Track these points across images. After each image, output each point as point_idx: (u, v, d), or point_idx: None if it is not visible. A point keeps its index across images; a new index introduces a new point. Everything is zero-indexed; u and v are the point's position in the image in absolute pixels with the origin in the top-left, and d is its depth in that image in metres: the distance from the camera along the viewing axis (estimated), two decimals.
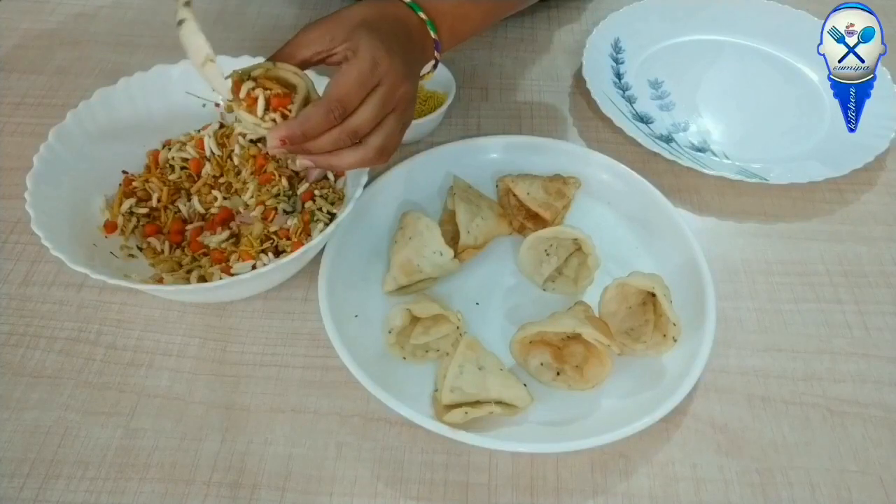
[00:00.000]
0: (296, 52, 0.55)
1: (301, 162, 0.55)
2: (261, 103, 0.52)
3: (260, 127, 0.52)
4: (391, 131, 0.54)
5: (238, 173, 0.65)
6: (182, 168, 0.66)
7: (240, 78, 0.52)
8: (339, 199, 0.64)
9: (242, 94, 0.52)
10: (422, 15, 0.59)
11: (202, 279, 0.59)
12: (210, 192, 0.65)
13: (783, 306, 0.63)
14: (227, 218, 0.64)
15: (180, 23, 0.52)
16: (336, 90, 0.51)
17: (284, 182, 0.64)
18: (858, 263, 0.67)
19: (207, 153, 0.66)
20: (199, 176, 0.66)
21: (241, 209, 0.64)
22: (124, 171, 0.66)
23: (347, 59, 0.53)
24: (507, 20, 0.91)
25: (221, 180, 0.66)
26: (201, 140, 0.66)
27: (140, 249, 0.63)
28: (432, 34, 0.60)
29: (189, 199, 0.65)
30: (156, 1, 0.94)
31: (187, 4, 0.51)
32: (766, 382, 0.58)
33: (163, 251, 0.62)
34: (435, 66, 0.63)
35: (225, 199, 0.64)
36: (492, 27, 0.88)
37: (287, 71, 0.53)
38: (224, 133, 0.67)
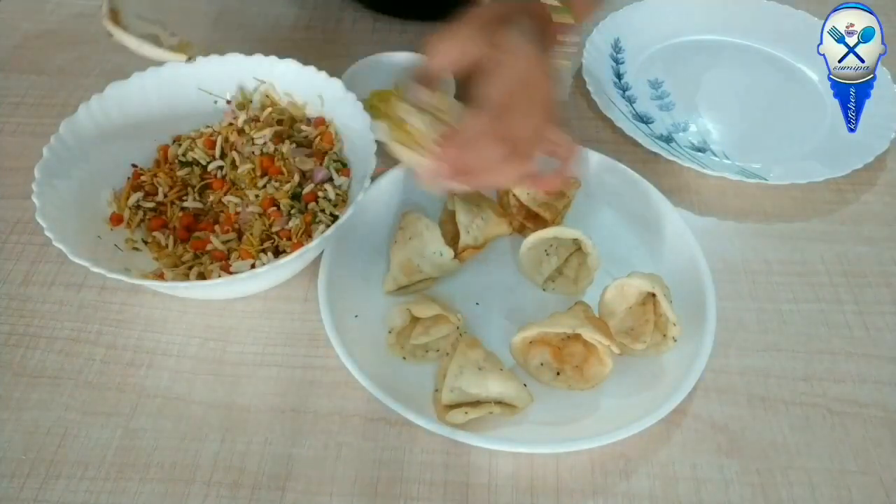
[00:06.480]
0: (435, 67, 0.53)
1: (461, 188, 0.52)
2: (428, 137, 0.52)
3: (420, 157, 0.52)
4: (539, 136, 0.51)
5: (250, 169, 0.66)
6: (195, 164, 0.66)
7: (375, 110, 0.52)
8: (342, 200, 0.64)
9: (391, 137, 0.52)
10: (554, 2, 0.55)
11: (201, 276, 0.59)
12: (221, 193, 0.65)
13: (783, 306, 0.63)
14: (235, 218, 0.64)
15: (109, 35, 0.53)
16: (496, 95, 0.48)
17: (297, 178, 0.64)
18: (858, 263, 0.67)
19: (217, 153, 0.67)
20: (208, 173, 0.66)
21: (247, 207, 0.64)
22: (134, 165, 0.66)
23: (495, 60, 0.50)
24: None
25: (230, 177, 0.66)
26: (210, 139, 0.67)
27: (145, 243, 0.63)
28: (569, 19, 0.56)
29: (199, 195, 0.65)
30: (156, 1, 0.94)
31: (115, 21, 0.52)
32: (766, 382, 0.58)
33: (167, 246, 0.62)
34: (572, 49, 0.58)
35: (237, 197, 0.64)
36: None
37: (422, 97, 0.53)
38: (232, 130, 0.67)
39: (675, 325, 0.56)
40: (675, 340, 0.56)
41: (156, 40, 0.56)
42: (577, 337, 0.56)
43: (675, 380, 0.55)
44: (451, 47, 0.53)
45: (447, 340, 0.58)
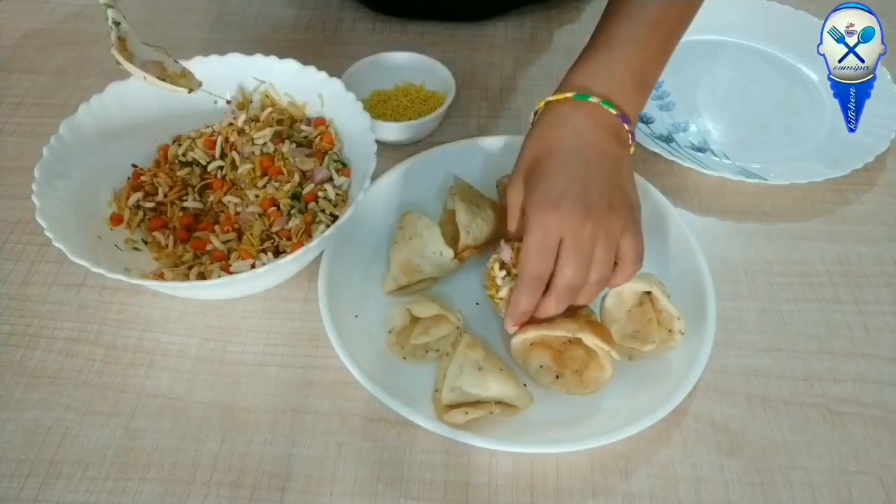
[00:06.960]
0: (517, 230, 0.57)
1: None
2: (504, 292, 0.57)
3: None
4: (604, 260, 0.53)
5: (250, 169, 0.65)
6: (195, 164, 0.66)
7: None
8: (342, 200, 0.64)
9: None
10: (613, 111, 0.56)
11: (201, 276, 0.59)
12: (221, 193, 0.65)
13: (783, 306, 0.63)
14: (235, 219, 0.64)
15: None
16: (525, 269, 0.53)
17: (297, 178, 0.64)
18: (858, 263, 0.67)
19: (217, 153, 0.66)
20: (208, 173, 0.66)
21: (247, 207, 0.64)
22: (134, 165, 0.66)
23: (524, 227, 0.54)
24: (507, 21, 0.91)
25: (230, 177, 0.66)
26: (210, 139, 0.67)
27: (145, 243, 0.63)
28: (626, 127, 0.57)
29: (199, 195, 0.65)
30: (156, 1, 0.94)
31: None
32: (766, 382, 0.58)
33: (167, 246, 0.62)
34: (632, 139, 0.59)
35: (237, 197, 0.64)
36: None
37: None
38: (232, 130, 0.67)
39: (679, 318, 0.56)
40: (683, 334, 0.56)
41: (160, 66, 0.60)
42: (578, 341, 0.56)
43: (675, 380, 0.55)
44: (519, 203, 0.56)
45: (447, 340, 0.58)
